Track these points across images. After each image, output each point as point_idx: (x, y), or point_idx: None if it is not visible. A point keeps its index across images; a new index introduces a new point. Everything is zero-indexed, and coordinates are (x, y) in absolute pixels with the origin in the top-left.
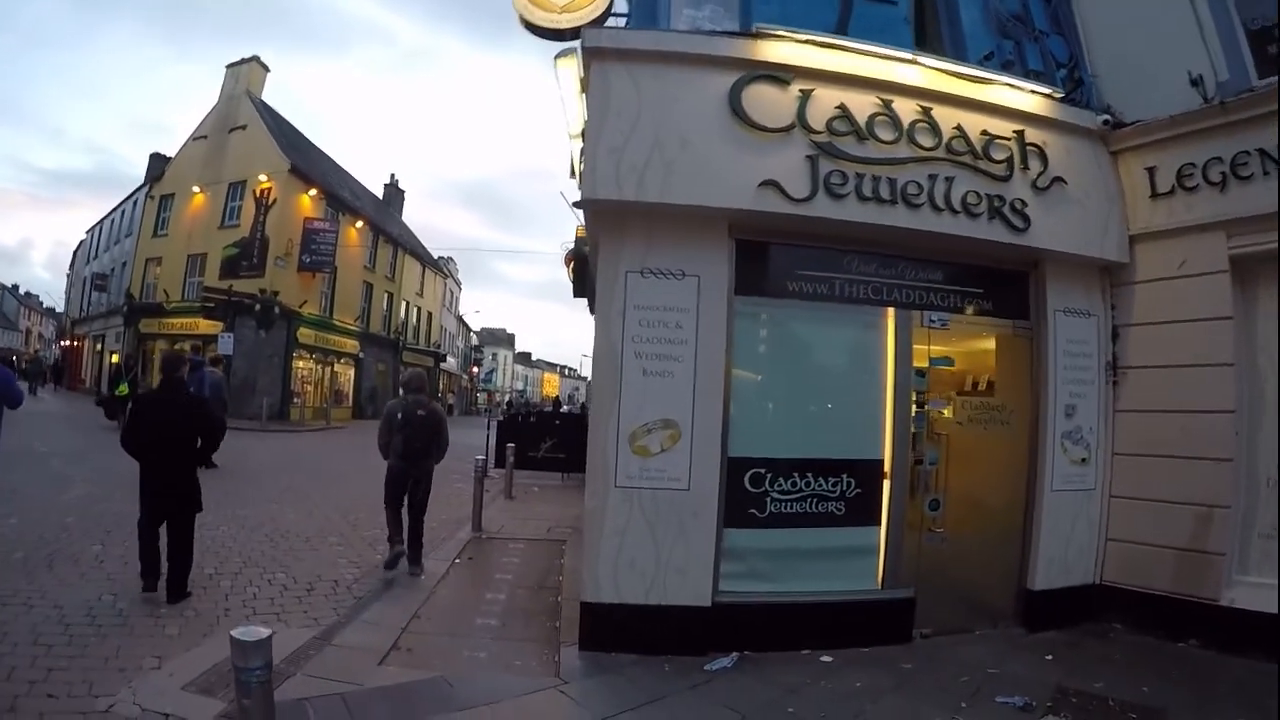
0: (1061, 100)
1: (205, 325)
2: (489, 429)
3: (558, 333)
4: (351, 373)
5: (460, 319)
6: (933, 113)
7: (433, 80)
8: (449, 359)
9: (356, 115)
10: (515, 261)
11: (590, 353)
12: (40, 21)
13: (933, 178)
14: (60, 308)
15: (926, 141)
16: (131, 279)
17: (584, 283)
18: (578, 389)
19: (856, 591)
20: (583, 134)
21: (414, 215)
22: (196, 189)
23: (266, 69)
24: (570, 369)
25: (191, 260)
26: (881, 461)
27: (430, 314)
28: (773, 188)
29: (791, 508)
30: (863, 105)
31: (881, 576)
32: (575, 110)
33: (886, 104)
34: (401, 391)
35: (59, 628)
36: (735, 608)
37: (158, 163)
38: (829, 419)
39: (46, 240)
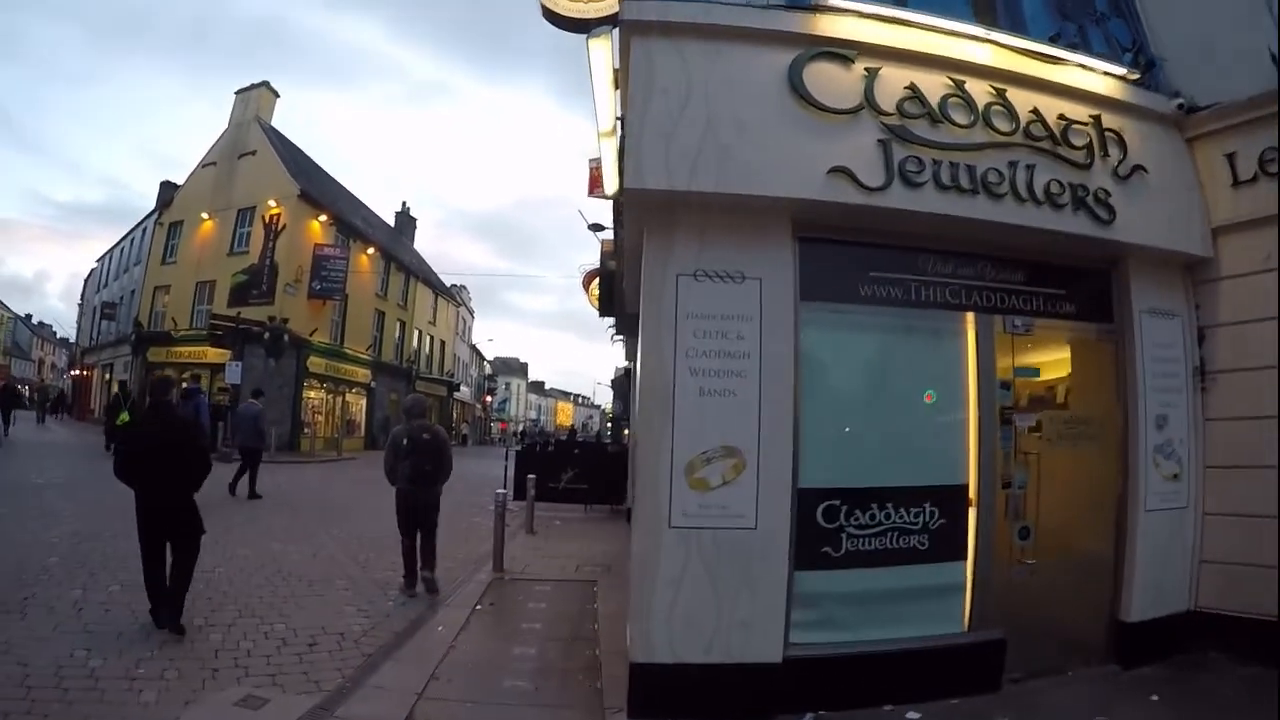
0: (1135, 83)
1: (213, 354)
2: (507, 460)
3: (570, 361)
4: (363, 402)
5: (474, 347)
6: (1007, 95)
7: (442, 113)
8: (463, 388)
9: (366, 147)
10: (526, 291)
11: (606, 380)
12: (58, 56)
13: (1013, 165)
14: (73, 338)
15: (1003, 126)
16: (140, 307)
17: (611, 302)
18: (591, 417)
19: (942, 636)
20: (619, 124)
21: (425, 245)
22: (205, 215)
23: (276, 95)
24: (584, 397)
25: (200, 288)
26: (966, 487)
27: (443, 342)
28: (843, 175)
29: (869, 544)
30: (933, 86)
31: (968, 617)
32: (606, 102)
33: (959, 85)
34: (405, 417)
35: (19, 691)
36: (808, 663)
37: (168, 190)
38: (908, 441)
39: (62, 272)
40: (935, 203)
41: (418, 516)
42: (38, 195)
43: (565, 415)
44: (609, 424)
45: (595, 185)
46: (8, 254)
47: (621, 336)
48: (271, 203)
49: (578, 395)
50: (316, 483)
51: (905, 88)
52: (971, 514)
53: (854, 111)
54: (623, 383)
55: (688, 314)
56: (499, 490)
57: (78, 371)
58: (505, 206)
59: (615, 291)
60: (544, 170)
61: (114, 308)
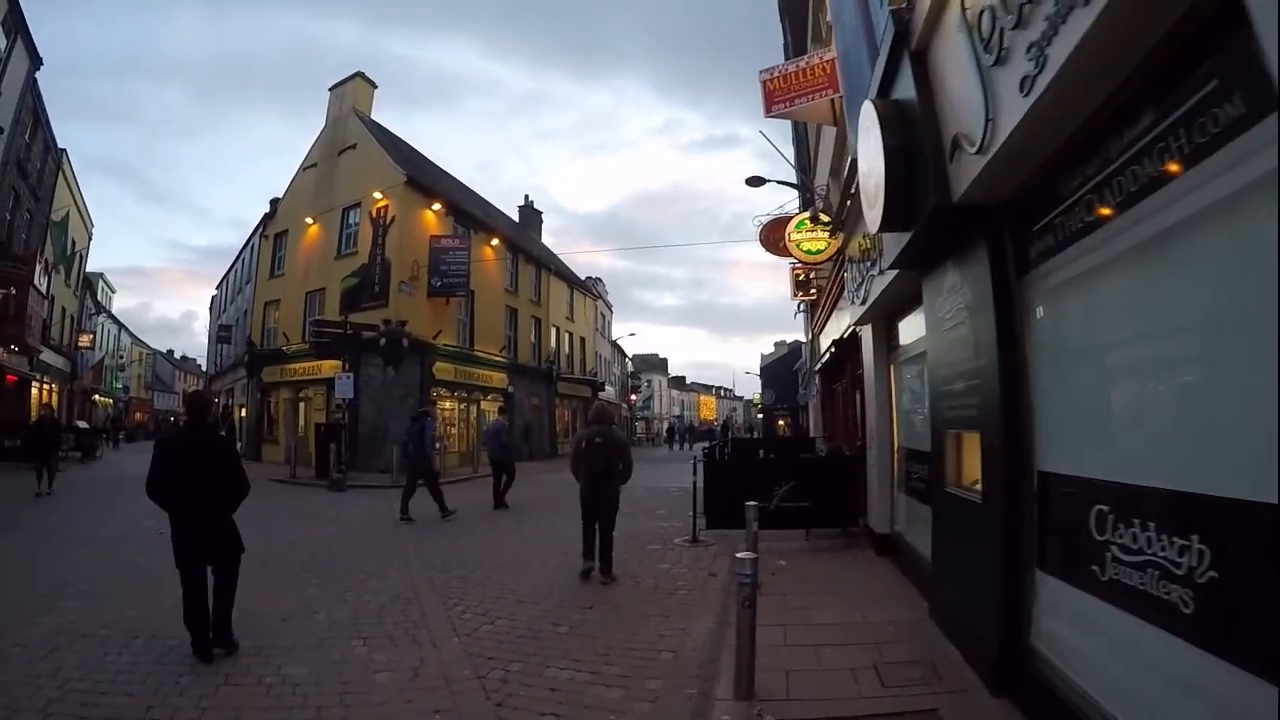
0: None
1: (329, 367)
2: (695, 474)
3: (703, 355)
4: (496, 410)
5: (615, 344)
6: None
7: (547, 122)
8: (607, 387)
9: (471, 164)
10: (653, 289)
11: (746, 369)
12: (169, 114)
13: None
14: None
15: None
16: (251, 326)
17: (912, 191)
18: (734, 410)
19: None
20: None
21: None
22: (309, 220)
23: (373, 85)
24: (725, 389)
25: (310, 298)
26: None
27: (583, 339)
28: None
29: None
30: None
31: None
32: None
33: None
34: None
35: None
36: None
37: (276, 206)
38: None
39: (204, 310)
40: None
41: (597, 511)
42: (176, 243)
43: (708, 409)
44: (758, 414)
45: (774, 101)
46: (155, 299)
47: (893, 269)
48: (377, 194)
49: (719, 388)
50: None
51: None
52: None
53: None
54: (780, 366)
55: None
56: (742, 554)
57: None
58: (621, 205)
59: (925, 166)
60: (656, 165)
61: (229, 330)
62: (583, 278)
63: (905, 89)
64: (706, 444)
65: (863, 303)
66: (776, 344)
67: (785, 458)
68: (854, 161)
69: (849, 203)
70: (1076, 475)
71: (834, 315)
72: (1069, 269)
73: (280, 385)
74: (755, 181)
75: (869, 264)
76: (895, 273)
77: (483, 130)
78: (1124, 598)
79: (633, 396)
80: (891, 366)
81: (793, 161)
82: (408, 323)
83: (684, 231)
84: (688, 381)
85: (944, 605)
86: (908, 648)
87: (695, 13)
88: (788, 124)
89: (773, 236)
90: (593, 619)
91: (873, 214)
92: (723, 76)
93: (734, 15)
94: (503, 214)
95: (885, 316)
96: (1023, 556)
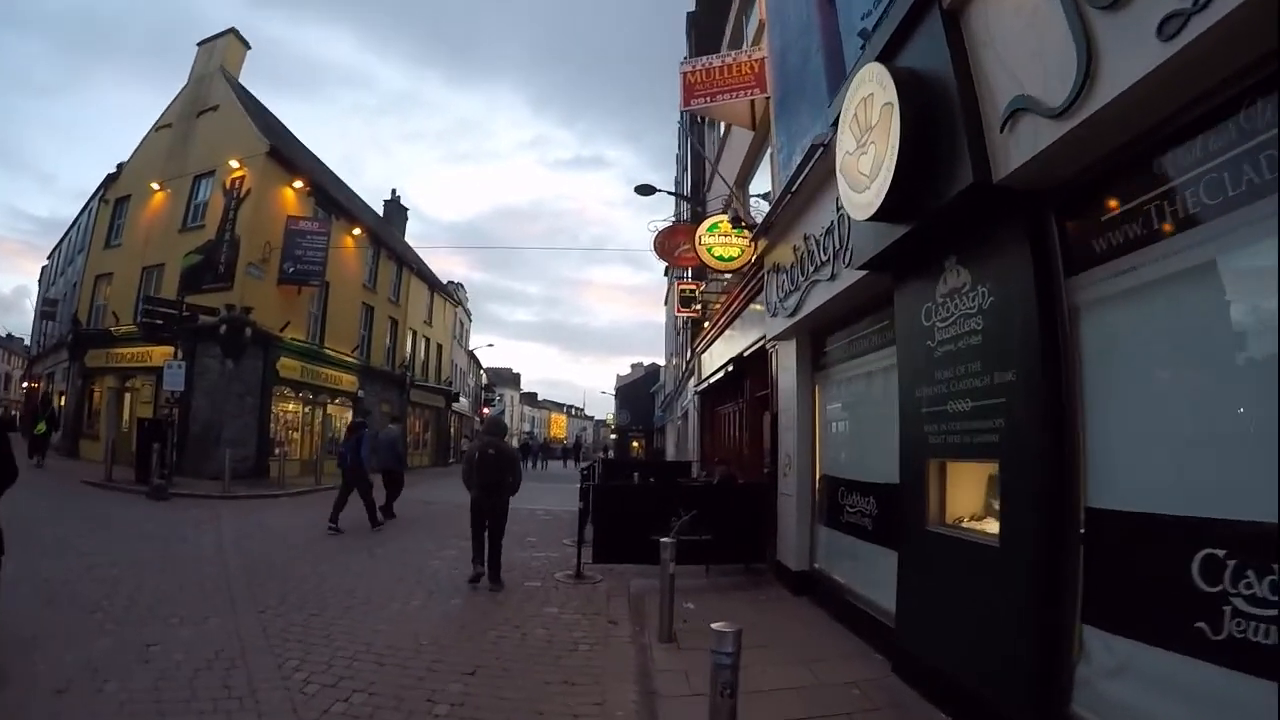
0: None
1: (160, 354)
2: (585, 500)
3: (555, 373)
4: (349, 416)
5: (471, 354)
6: None
7: (415, 125)
8: (461, 398)
9: (337, 158)
10: (508, 303)
11: (598, 390)
12: (26, 67)
13: None
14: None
15: None
16: (79, 302)
17: (925, 185)
18: (584, 429)
19: None
20: None
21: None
22: (156, 186)
23: (246, 45)
24: (576, 408)
25: (146, 274)
26: None
27: (440, 346)
28: None
29: None
30: None
31: None
32: None
33: None
34: (483, 434)
35: None
36: None
37: (122, 169)
38: None
39: (36, 284)
40: None
41: (485, 521)
42: (14, 210)
43: (559, 427)
44: (612, 435)
45: (694, 95)
46: None
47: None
48: (234, 164)
49: (570, 406)
50: (277, 535)
51: None
52: None
53: None
54: (636, 388)
55: None
56: (719, 625)
57: (27, 384)
58: (484, 216)
59: (950, 140)
60: (522, 180)
61: (55, 305)
62: (449, 280)
63: (925, 55)
64: (582, 464)
65: (790, 314)
66: (633, 365)
67: (667, 482)
68: (817, 150)
69: (782, 204)
70: (1162, 514)
71: (729, 332)
72: (1160, 266)
73: (105, 371)
74: (645, 190)
75: (813, 269)
76: (854, 278)
77: (351, 123)
78: (1255, 660)
79: (485, 410)
80: (818, 386)
81: (713, 163)
82: (253, 310)
83: (545, 250)
84: (539, 398)
85: (924, 663)
86: (889, 718)
87: (578, 30)
88: (673, 140)
89: (669, 244)
90: (479, 691)
91: (863, 199)
92: (598, 98)
93: (617, 36)
94: (367, 206)
95: (814, 331)
96: (1064, 610)
